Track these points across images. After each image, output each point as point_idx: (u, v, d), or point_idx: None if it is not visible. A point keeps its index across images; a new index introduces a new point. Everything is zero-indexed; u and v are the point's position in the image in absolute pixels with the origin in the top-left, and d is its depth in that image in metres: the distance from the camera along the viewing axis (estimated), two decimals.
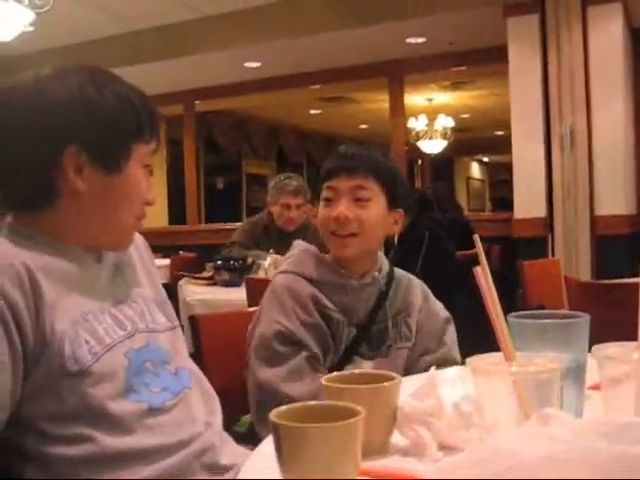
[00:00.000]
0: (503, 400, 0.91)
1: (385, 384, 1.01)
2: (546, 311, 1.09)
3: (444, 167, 15.37)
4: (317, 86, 8.17)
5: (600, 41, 5.16)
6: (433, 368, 1.10)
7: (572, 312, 1.09)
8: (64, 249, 1.21)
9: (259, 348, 1.66)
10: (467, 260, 4.58)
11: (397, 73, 7.26)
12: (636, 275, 1.06)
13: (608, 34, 5.17)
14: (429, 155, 12.07)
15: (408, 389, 1.04)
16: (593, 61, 5.16)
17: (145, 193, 1.29)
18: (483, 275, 0.96)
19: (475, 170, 18.41)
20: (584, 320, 1.05)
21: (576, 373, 1.04)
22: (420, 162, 14.09)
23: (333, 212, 1.71)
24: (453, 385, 1.31)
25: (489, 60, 6.49)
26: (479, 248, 1.01)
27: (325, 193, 1.75)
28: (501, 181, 15.80)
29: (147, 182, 1.30)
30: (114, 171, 1.23)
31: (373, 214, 1.72)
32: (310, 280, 1.72)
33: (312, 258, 1.77)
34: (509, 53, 5.47)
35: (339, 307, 1.72)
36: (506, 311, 1.00)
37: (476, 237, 1.04)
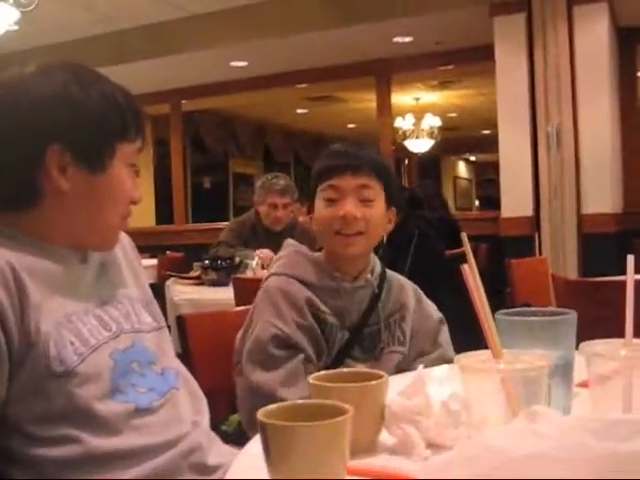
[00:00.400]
0: (491, 398, 0.91)
1: (373, 382, 1.01)
2: (534, 308, 1.09)
3: (431, 166, 15.39)
4: (304, 85, 8.16)
5: (586, 40, 5.19)
6: (421, 366, 1.10)
7: (559, 309, 1.09)
8: (48, 250, 1.20)
9: (254, 352, 1.64)
10: (455, 258, 4.59)
11: (384, 72, 7.27)
12: (623, 273, 1.06)
13: (594, 33, 5.19)
14: (416, 154, 12.09)
15: (396, 388, 1.04)
16: (579, 60, 5.18)
17: (130, 192, 1.28)
18: (471, 273, 0.96)
19: (462, 169, 18.45)
20: (571, 317, 1.05)
21: (564, 370, 1.04)
22: (407, 161, 14.11)
23: (339, 211, 1.68)
24: (441, 383, 1.31)
25: (476, 59, 6.51)
26: (467, 247, 1.01)
27: (328, 193, 1.71)
28: (488, 180, 15.83)
29: (132, 181, 1.28)
30: (98, 170, 1.22)
31: (376, 213, 1.71)
32: (304, 283, 1.70)
33: (305, 260, 1.75)
34: (496, 52, 5.48)
35: (333, 310, 1.70)
36: (493, 309, 1.00)
37: (464, 235, 1.03)
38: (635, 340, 1.00)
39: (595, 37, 5.19)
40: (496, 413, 0.91)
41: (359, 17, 6.00)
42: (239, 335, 1.75)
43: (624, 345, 0.99)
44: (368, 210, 1.70)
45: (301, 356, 1.63)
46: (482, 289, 0.97)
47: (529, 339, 1.00)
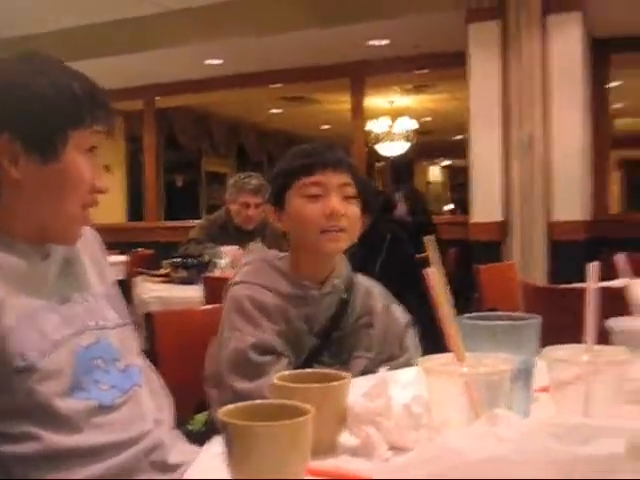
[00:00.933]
0: (454, 400, 0.92)
1: (334, 383, 1.01)
2: (500, 313, 1.10)
3: (404, 170, 15.42)
4: (279, 85, 8.14)
5: (559, 49, 5.23)
6: (385, 369, 1.10)
7: (524, 314, 1.10)
8: (12, 245, 1.19)
9: (236, 362, 1.60)
10: (423, 262, 4.59)
11: (359, 75, 7.27)
12: None
13: (567, 42, 5.24)
14: (389, 158, 12.10)
15: (361, 390, 1.04)
16: (552, 68, 5.23)
17: (90, 180, 1.24)
18: (434, 275, 0.97)
19: (435, 173, 18.52)
20: (534, 322, 1.06)
21: (525, 375, 1.05)
22: (380, 165, 14.12)
23: (326, 208, 1.65)
24: (405, 386, 1.31)
25: (451, 64, 6.51)
26: (431, 250, 1.01)
27: (310, 189, 1.67)
28: (461, 184, 15.90)
29: (93, 168, 1.25)
30: (51, 159, 1.19)
31: (357, 211, 1.71)
32: (270, 290, 1.67)
33: (270, 268, 1.72)
34: (470, 58, 5.51)
35: (302, 317, 1.68)
36: (460, 314, 1.01)
37: (427, 239, 1.04)
38: (596, 346, 1.01)
39: (568, 46, 5.24)
40: (459, 416, 0.92)
41: (336, 19, 6.00)
42: (211, 348, 1.72)
43: (585, 351, 1.00)
44: (351, 207, 1.69)
45: (285, 360, 1.62)
46: (447, 292, 0.97)
47: (492, 343, 1.01)
